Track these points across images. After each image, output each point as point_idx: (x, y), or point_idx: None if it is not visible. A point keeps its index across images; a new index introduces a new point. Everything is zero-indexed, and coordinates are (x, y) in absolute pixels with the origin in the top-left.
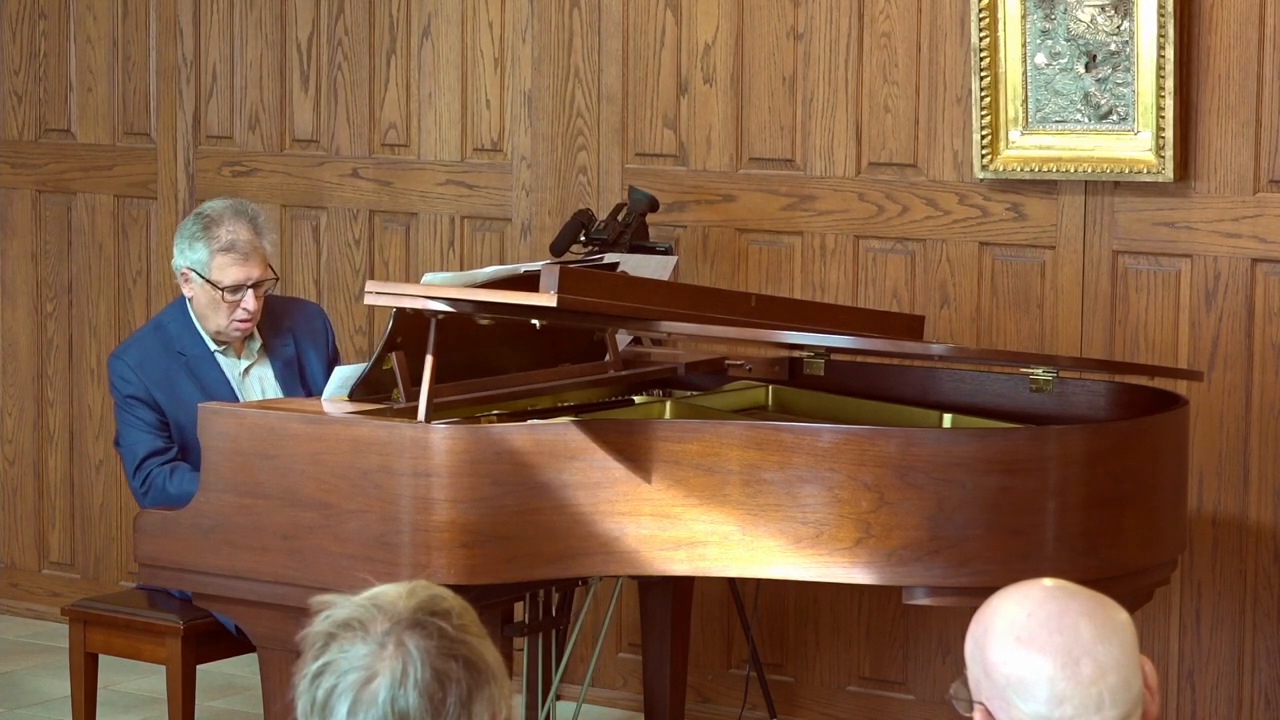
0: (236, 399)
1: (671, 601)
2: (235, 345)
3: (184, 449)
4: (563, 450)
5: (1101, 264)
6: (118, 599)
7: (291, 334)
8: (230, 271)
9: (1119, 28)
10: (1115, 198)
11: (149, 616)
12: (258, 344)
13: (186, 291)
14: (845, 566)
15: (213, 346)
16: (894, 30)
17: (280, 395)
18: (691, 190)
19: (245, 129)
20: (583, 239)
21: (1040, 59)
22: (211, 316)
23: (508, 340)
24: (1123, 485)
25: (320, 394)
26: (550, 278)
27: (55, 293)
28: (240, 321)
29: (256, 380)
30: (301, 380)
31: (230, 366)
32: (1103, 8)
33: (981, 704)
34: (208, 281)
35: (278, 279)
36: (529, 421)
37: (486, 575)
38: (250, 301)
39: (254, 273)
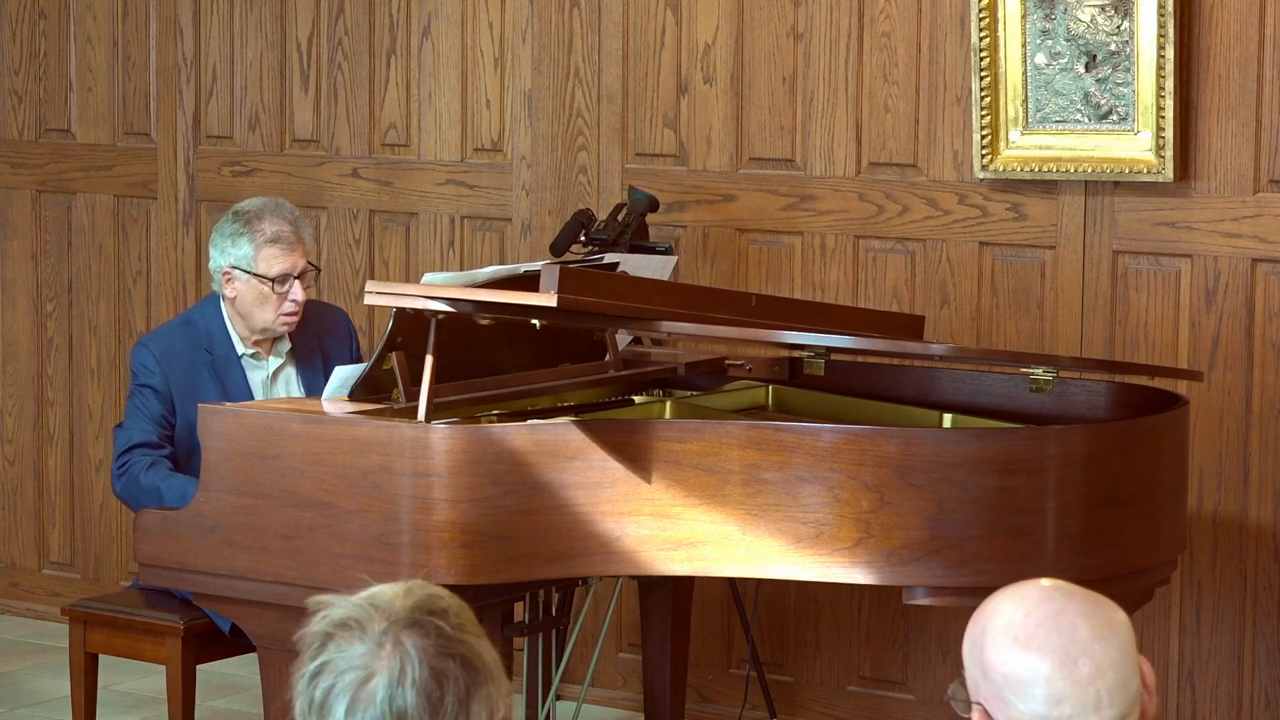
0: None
1: (671, 601)
2: (264, 346)
3: (191, 450)
4: (563, 450)
5: (1101, 264)
6: (118, 599)
7: (318, 337)
8: (278, 262)
9: (1119, 28)
10: (1115, 198)
11: (149, 616)
12: (286, 346)
13: (228, 292)
14: (845, 566)
15: (241, 350)
16: (894, 30)
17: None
18: (691, 190)
19: (245, 129)
20: (583, 239)
21: (1040, 59)
22: (258, 313)
23: (508, 340)
24: (1123, 485)
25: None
26: (550, 278)
27: (55, 293)
28: (288, 315)
29: (284, 383)
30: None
31: (255, 372)
32: (1103, 8)
33: (979, 704)
34: (254, 275)
35: (319, 270)
36: (529, 421)
37: (486, 575)
38: (298, 292)
39: (300, 262)
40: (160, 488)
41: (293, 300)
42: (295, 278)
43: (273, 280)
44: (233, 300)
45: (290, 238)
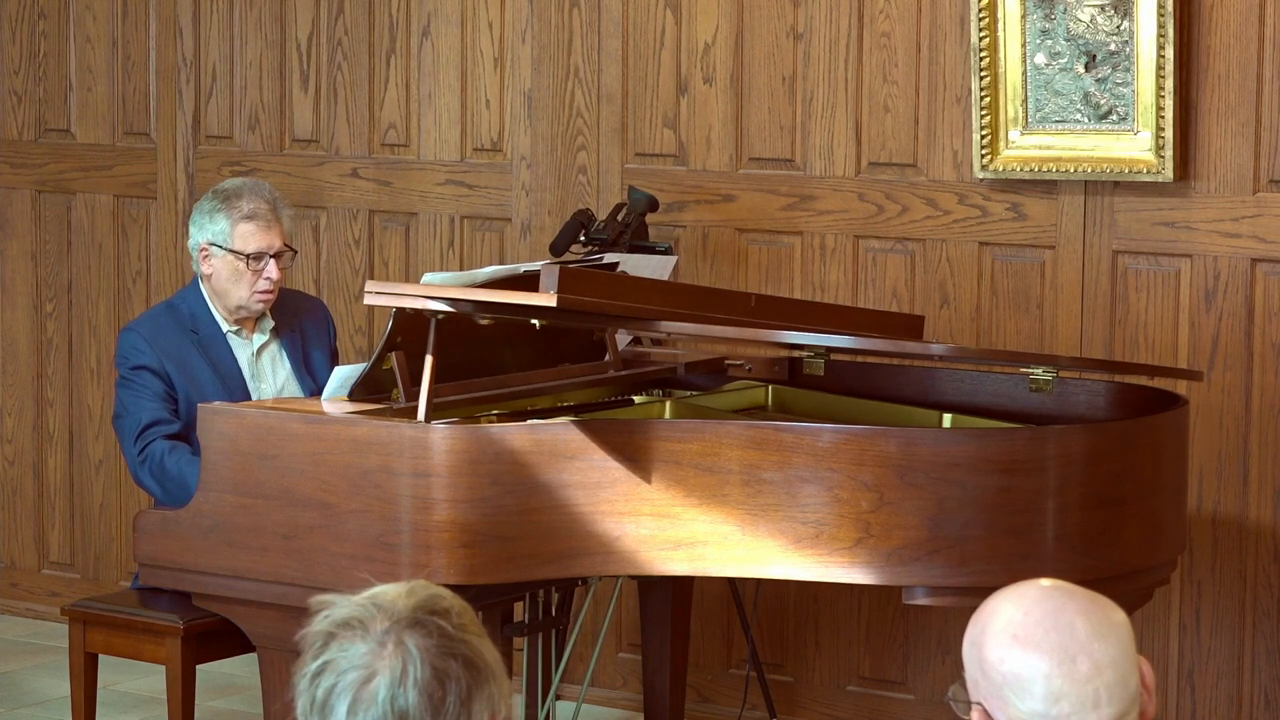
0: (244, 380)
1: (671, 601)
2: (248, 325)
3: (192, 423)
4: (562, 450)
5: (1101, 264)
6: (118, 599)
7: (297, 316)
8: (254, 239)
9: (1119, 28)
10: (1115, 198)
11: (149, 616)
12: (270, 323)
13: (205, 268)
14: (845, 566)
15: (225, 328)
16: (894, 30)
17: (292, 374)
18: (691, 190)
19: (245, 129)
20: (583, 239)
21: (1040, 59)
22: (233, 290)
23: (508, 340)
24: (1123, 485)
25: (322, 384)
26: (550, 278)
27: (55, 293)
28: (262, 292)
29: (269, 359)
30: (306, 367)
31: (241, 349)
32: (1103, 8)
33: (979, 704)
34: (230, 252)
35: (296, 253)
36: (529, 421)
37: (486, 575)
38: (273, 271)
39: (275, 242)
40: (186, 474)
41: (267, 278)
42: (271, 257)
43: (248, 257)
44: (209, 277)
45: (267, 216)
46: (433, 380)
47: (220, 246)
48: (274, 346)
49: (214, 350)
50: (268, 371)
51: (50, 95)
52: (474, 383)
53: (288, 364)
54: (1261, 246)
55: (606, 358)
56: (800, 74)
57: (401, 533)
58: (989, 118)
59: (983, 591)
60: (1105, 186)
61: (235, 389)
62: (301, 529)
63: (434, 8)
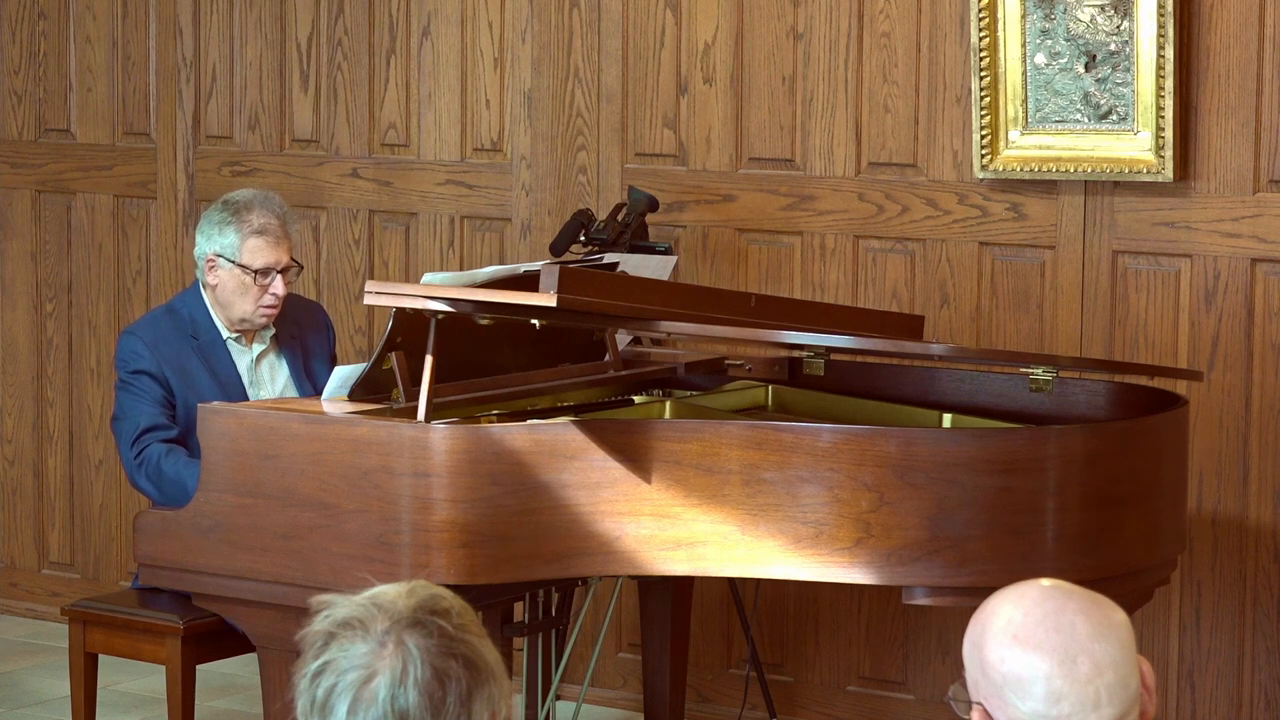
0: (243, 386)
1: (671, 601)
2: (247, 335)
3: (189, 429)
4: (562, 450)
5: (1101, 264)
6: (118, 599)
7: (298, 326)
8: (262, 255)
9: (1119, 28)
10: (1115, 198)
11: (149, 616)
12: (270, 332)
13: (210, 279)
14: (845, 566)
15: (225, 334)
16: (894, 30)
17: (291, 381)
18: (691, 190)
19: (245, 129)
20: (583, 239)
21: (1040, 59)
22: (238, 303)
23: (508, 340)
24: (1123, 485)
25: (321, 391)
26: (550, 278)
27: (55, 292)
28: (267, 307)
29: (268, 367)
30: (306, 372)
31: (240, 356)
32: (1102, 8)
33: (979, 704)
34: (238, 266)
35: (302, 267)
36: (529, 421)
37: (486, 575)
38: (279, 286)
39: (283, 258)
40: (184, 477)
41: (273, 294)
42: (278, 272)
43: (255, 272)
44: (213, 288)
45: (277, 232)
46: (433, 380)
47: (228, 259)
48: (272, 356)
49: (213, 356)
50: (266, 379)
51: (50, 95)
52: (474, 383)
53: (286, 371)
54: (1261, 246)
55: (606, 358)
56: (800, 74)
57: (401, 533)
58: (989, 118)
59: (983, 591)
60: (1105, 186)
61: (234, 395)
62: (301, 529)
63: (434, 8)
